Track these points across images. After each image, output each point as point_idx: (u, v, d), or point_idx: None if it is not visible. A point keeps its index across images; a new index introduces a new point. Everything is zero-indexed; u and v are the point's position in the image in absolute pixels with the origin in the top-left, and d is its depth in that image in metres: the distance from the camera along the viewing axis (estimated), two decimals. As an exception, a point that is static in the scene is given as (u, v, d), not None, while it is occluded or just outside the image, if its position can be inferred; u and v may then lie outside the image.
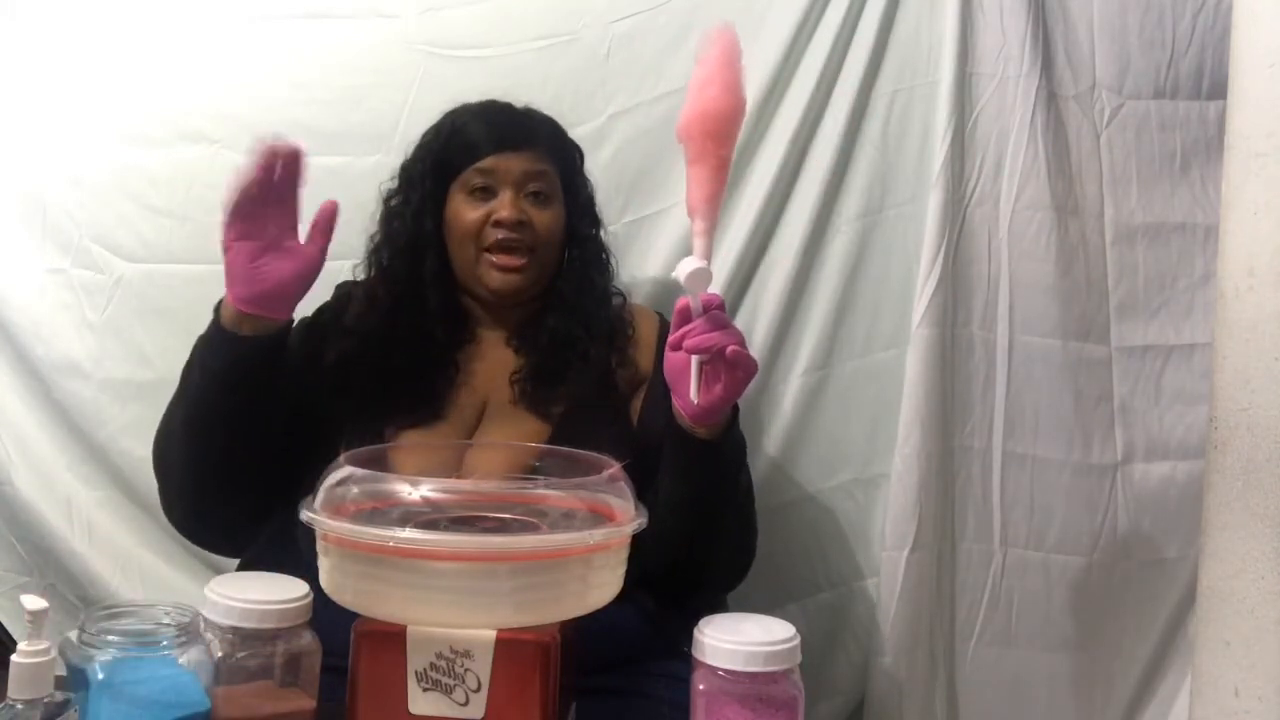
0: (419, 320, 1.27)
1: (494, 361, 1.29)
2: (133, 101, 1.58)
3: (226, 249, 1.06)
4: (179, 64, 1.59)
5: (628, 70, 1.55)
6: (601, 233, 1.37)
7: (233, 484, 1.15)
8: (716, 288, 1.49)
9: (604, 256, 1.35)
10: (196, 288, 1.55)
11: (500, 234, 1.24)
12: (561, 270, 1.32)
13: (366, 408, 1.22)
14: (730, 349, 1.00)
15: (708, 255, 1.03)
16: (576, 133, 1.41)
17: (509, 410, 1.25)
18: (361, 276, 1.33)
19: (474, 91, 1.38)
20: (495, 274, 1.25)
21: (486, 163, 1.26)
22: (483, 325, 1.32)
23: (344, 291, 1.34)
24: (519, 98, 1.35)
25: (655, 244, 1.55)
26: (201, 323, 1.53)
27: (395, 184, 1.33)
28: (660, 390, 1.18)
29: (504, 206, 1.24)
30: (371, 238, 1.33)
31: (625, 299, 1.37)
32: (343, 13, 1.58)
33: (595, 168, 1.41)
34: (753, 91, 1.51)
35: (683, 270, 0.99)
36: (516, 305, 1.30)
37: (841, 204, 1.54)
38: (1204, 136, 1.54)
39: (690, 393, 1.03)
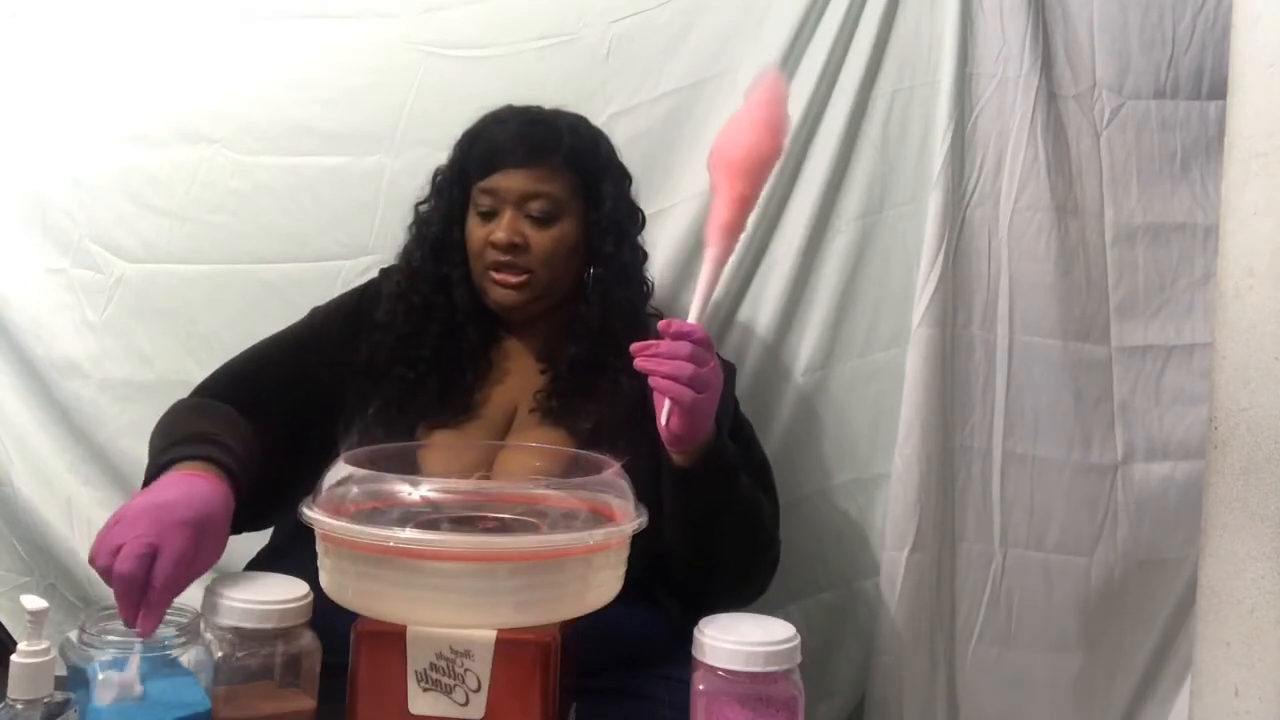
0: (450, 319, 1.27)
1: (525, 369, 1.29)
2: (133, 101, 1.58)
3: None
4: (179, 64, 1.58)
5: (628, 70, 1.55)
6: (637, 241, 1.33)
7: (273, 499, 1.11)
8: (717, 288, 1.51)
9: (633, 271, 1.32)
10: (196, 288, 1.57)
11: (497, 255, 1.24)
12: (585, 290, 1.29)
13: (398, 405, 1.22)
14: (655, 379, 1.02)
15: (712, 283, 1.07)
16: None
17: (536, 424, 1.24)
18: (395, 275, 1.32)
19: (474, 91, 1.38)
20: (496, 289, 1.25)
21: (489, 182, 1.25)
22: (514, 327, 1.31)
23: (382, 279, 1.33)
24: (519, 98, 1.34)
25: (655, 244, 1.53)
26: (202, 322, 1.56)
27: (428, 189, 1.33)
28: None
29: (500, 228, 1.23)
30: (408, 241, 1.32)
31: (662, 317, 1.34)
32: (342, 13, 1.58)
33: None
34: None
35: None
36: (530, 319, 1.29)
37: (841, 204, 1.54)
38: (1204, 136, 1.54)
39: (660, 417, 1.05)
